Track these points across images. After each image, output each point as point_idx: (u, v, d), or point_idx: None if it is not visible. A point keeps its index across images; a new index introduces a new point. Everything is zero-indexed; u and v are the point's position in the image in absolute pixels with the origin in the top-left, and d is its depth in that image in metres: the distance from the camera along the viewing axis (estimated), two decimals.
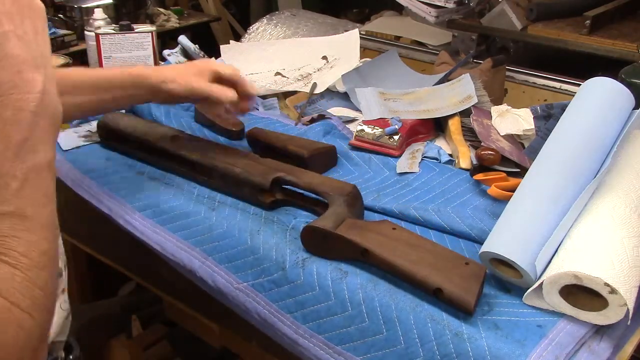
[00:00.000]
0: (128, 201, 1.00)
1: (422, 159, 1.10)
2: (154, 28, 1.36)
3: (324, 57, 1.59)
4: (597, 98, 0.91)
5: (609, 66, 1.53)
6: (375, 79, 1.41)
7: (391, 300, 0.76)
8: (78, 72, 0.98)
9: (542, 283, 0.72)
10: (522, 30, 1.95)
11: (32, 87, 0.55)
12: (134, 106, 1.19)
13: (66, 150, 1.13)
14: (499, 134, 1.13)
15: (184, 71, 0.98)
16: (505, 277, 0.78)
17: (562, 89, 1.77)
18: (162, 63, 1.31)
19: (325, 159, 1.07)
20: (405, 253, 0.79)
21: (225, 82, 0.98)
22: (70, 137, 1.17)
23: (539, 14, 1.94)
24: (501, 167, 1.03)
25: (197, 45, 1.31)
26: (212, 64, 1.00)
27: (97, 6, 2.01)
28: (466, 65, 1.56)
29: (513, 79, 1.84)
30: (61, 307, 0.73)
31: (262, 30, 2.18)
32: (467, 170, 1.06)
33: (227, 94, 0.96)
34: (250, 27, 2.22)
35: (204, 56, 1.30)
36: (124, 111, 1.25)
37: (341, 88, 1.41)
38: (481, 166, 1.03)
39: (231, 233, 0.90)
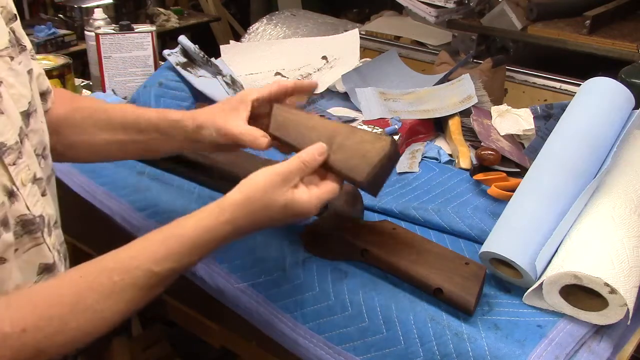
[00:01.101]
0: (128, 201, 1.00)
1: (422, 159, 1.10)
2: (154, 28, 1.36)
3: (324, 57, 1.59)
4: (597, 98, 0.91)
5: (609, 66, 1.53)
6: (375, 79, 1.41)
7: (391, 300, 0.76)
8: (120, 110, 0.86)
9: (542, 283, 0.72)
10: (522, 30, 1.95)
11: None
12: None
13: None
14: (499, 134, 1.13)
15: (219, 111, 0.80)
16: (505, 277, 0.78)
17: (562, 89, 1.78)
18: (162, 63, 1.31)
19: (387, 169, 0.75)
20: (405, 253, 0.79)
21: (279, 97, 0.81)
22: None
23: (539, 14, 1.94)
24: (501, 167, 1.03)
25: (197, 45, 1.31)
26: (250, 92, 0.80)
27: (97, 6, 2.01)
28: (466, 65, 1.56)
29: (513, 79, 1.84)
30: None
31: (262, 30, 2.18)
32: (467, 170, 1.06)
33: (259, 143, 0.76)
34: (250, 27, 2.22)
35: (203, 56, 1.30)
36: None
37: (341, 88, 1.41)
38: (481, 166, 1.03)
39: None
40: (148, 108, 0.86)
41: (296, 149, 0.75)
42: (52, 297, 0.61)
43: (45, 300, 0.60)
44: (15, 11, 0.73)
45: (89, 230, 1.17)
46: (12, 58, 0.69)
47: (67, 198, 1.03)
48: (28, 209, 0.66)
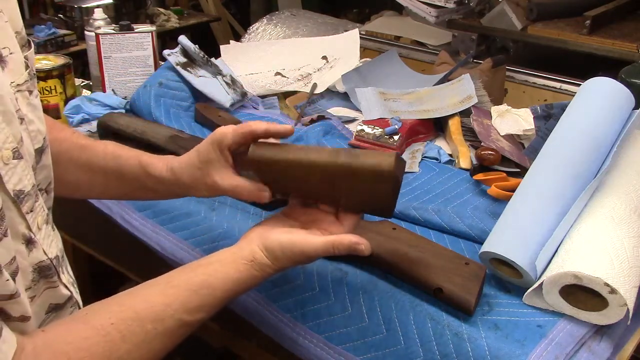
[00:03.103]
0: (128, 201, 0.99)
1: (422, 159, 1.10)
2: (154, 28, 1.36)
3: (324, 57, 1.59)
4: (597, 98, 0.91)
5: (609, 66, 1.53)
6: (375, 79, 1.41)
7: (391, 300, 0.76)
8: (100, 151, 0.81)
9: (542, 283, 0.72)
10: (522, 30, 1.95)
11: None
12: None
13: None
14: (499, 134, 1.13)
15: (201, 167, 0.74)
16: (505, 277, 0.78)
17: (562, 89, 1.78)
18: (162, 63, 1.31)
19: (399, 185, 0.71)
20: (405, 253, 0.79)
21: (249, 140, 0.75)
22: None
23: (539, 14, 1.94)
24: (501, 167, 1.03)
25: (197, 45, 1.31)
26: (221, 136, 0.74)
27: (97, 6, 2.01)
28: (466, 65, 1.56)
29: (513, 79, 1.84)
30: None
31: (262, 30, 2.18)
32: (467, 170, 1.06)
33: (259, 197, 0.74)
34: (250, 27, 2.22)
35: (203, 56, 1.30)
36: (123, 111, 1.25)
37: (341, 88, 1.41)
38: (481, 166, 1.03)
39: (231, 233, 0.90)
40: (128, 149, 0.81)
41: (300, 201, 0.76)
42: (84, 346, 0.58)
43: (77, 350, 0.58)
44: (27, 38, 0.68)
45: (89, 230, 1.17)
46: (30, 92, 0.65)
47: (67, 198, 1.03)
48: (45, 253, 0.63)
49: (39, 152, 0.66)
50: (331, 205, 0.74)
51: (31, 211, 0.61)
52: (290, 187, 0.75)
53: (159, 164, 0.78)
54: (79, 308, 0.71)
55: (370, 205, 0.72)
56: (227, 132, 0.74)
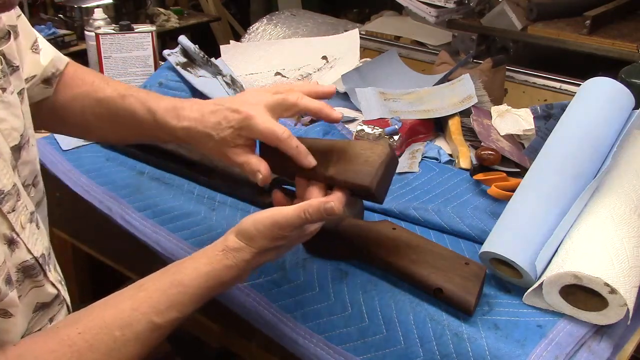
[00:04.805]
0: (128, 201, 1.00)
1: (422, 159, 1.10)
2: (154, 28, 1.36)
3: (324, 57, 1.59)
4: (597, 98, 0.91)
5: (609, 66, 1.53)
6: (375, 79, 1.41)
7: (391, 300, 0.76)
8: (114, 99, 0.80)
9: (542, 283, 0.72)
10: (522, 30, 1.95)
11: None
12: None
13: (66, 150, 1.13)
14: (499, 134, 1.13)
15: (222, 137, 0.72)
16: (505, 277, 0.78)
17: (562, 89, 1.78)
18: (162, 63, 1.31)
19: (390, 172, 0.73)
20: (405, 253, 0.79)
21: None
22: (71, 137, 1.17)
23: (539, 13, 1.94)
24: (501, 167, 1.03)
25: (197, 45, 1.31)
26: (258, 105, 0.72)
27: (97, 6, 2.01)
28: (466, 65, 1.56)
29: (513, 79, 1.84)
30: None
31: (262, 30, 2.18)
32: (467, 170, 1.06)
33: (254, 178, 0.73)
34: (250, 27, 2.22)
35: (203, 56, 1.30)
36: None
37: (341, 88, 1.41)
38: (481, 166, 1.03)
39: None
40: (138, 101, 0.79)
41: (291, 177, 0.76)
42: (51, 359, 0.58)
43: None
44: (7, 28, 0.66)
45: (89, 230, 1.17)
46: (3, 90, 0.64)
47: (67, 198, 1.03)
48: (30, 252, 0.63)
49: (17, 149, 0.65)
50: (320, 178, 0.72)
51: (13, 211, 0.60)
52: (287, 162, 0.74)
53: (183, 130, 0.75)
54: (67, 306, 0.71)
55: (360, 174, 0.70)
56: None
